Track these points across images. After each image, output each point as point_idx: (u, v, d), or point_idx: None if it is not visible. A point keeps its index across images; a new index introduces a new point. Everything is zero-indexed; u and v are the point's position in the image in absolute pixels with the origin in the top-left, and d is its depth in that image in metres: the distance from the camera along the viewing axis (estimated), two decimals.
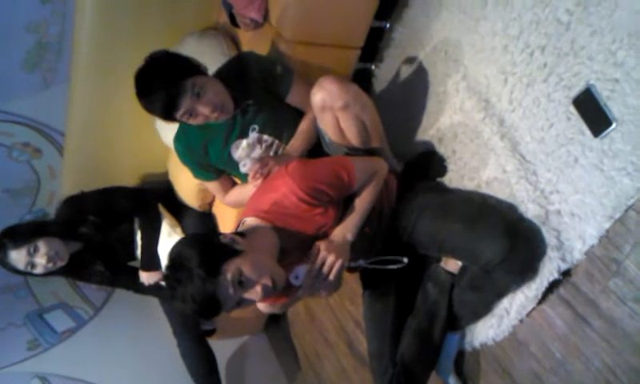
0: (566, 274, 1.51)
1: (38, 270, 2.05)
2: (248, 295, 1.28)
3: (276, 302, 1.58)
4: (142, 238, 2.30)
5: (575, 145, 1.48)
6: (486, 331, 1.72)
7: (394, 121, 1.98)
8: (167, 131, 2.27)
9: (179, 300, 1.25)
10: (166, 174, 2.63)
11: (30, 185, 2.77)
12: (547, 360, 1.58)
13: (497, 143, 1.68)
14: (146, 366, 2.67)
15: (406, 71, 2.07)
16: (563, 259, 1.49)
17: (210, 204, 2.49)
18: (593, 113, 1.43)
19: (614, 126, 1.38)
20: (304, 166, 1.49)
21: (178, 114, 1.66)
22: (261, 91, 1.82)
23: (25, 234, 2.04)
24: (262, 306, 1.58)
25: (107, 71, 2.31)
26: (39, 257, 2.03)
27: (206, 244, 1.31)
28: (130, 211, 2.32)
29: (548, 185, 1.55)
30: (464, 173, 1.80)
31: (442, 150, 1.89)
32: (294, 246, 1.45)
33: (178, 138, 1.93)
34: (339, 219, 1.51)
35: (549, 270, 1.51)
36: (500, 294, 1.63)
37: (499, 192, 1.68)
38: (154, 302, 2.59)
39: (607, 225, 1.41)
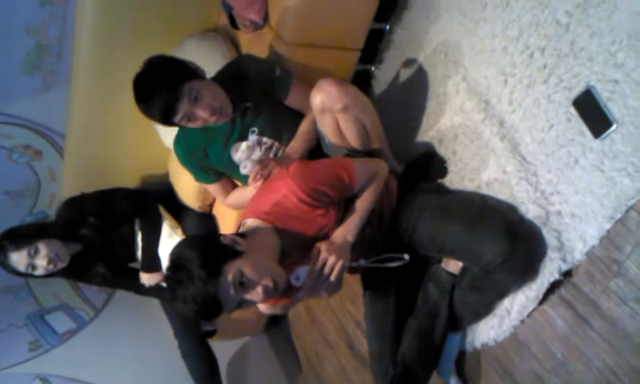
0: (567, 274, 1.51)
1: (39, 272, 2.06)
2: (249, 296, 1.29)
3: (277, 303, 1.58)
4: (142, 240, 2.30)
5: (575, 146, 1.48)
6: (487, 332, 1.72)
7: (394, 122, 1.98)
8: (167, 133, 2.27)
9: (180, 301, 1.25)
10: (166, 175, 2.63)
11: (31, 187, 2.77)
12: (548, 360, 1.58)
13: (497, 144, 1.69)
14: (146, 367, 2.67)
15: (406, 73, 2.08)
16: (564, 260, 1.49)
17: (211, 205, 2.49)
18: (593, 114, 1.43)
19: (614, 127, 1.39)
20: (305, 167, 1.50)
21: (177, 119, 1.67)
22: (260, 94, 1.82)
23: (25, 235, 2.05)
24: (263, 307, 1.58)
25: (107, 73, 2.31)
26: (40, 258, 2.03)
27: (206, 245, 1.31)
28: (130, 212, 2.32)
29: (548, 186, 1.55)
30: (464, 174, 1.80)
31: (442, 151, 1.89)
32: (295, 247, 1.45)
33: (177, 141, 1.94)
34: (340, 220, 1.51)
35: (549, 271, 1.51)
36: (501, 295, 1.63)
37: (499, 193, 1.68)
38: (154, 303, 2.59)
39: (608, 225, 1.41)
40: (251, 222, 1.45)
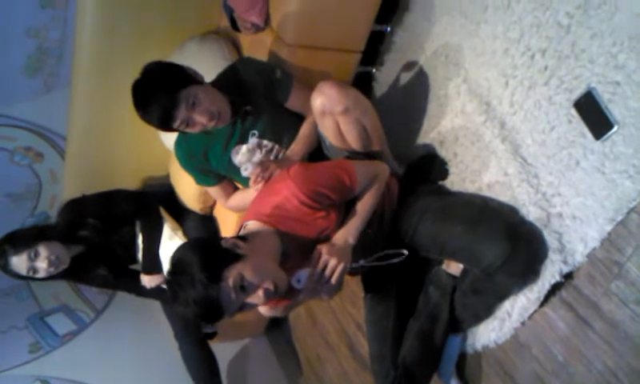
0: (568, 276, 1.51)
1: (40, 275, 2.06)
2: (250, 299, 1.29)
3: (277, 305, 1.59)
4: (143, 241, 2.30)
5: (576, 147, 1.48)
6: (487, 334, 1.72)
7: (395, 124, 1.98)
8: (168, 135, 2.26)
9: (181, 305, 1.25)
10: (167, 177, 2.63)
11: (32, 189, 2.78)
12: (549, 362, 1.58)
13: (498, 146, 1.69)
14: (147, 369, 2.67)
15: (407, 75, 2.08)
16: (565, 262, 1.49)
17: (212, 207, 2.49)
18: (594, 116, 1.43)
19: (615, 128, 1.39)
20: (305, 169, 1.49)
21: (175, 125, 1.67)
22: (260, 97, 1.82)
23: (25, 239, 2.05)
24: (264, 309, 1.58)
25: (108, 75, 2.31)
26: (40, 261, 2.03)
27: (207, 249, 1.31)
28: (131, 214, 2.32)
29: (549, 188, 1.55)
30: (465, 176, 1.80)
31: (443, 153, 1.89)
32: (296, 249, 1.45)
33: (178, 144, 1.94)
34: (341, 223, 1.51)
35: (550, 273, 1.51)
36: (502, 297, 1.63)
37: (501, 195, 1.68)
38: (155, 305, 2.59)
39: (609, 227, 1.41)
40: (252, 225, 1.45)
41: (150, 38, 2.30)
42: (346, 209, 1.54)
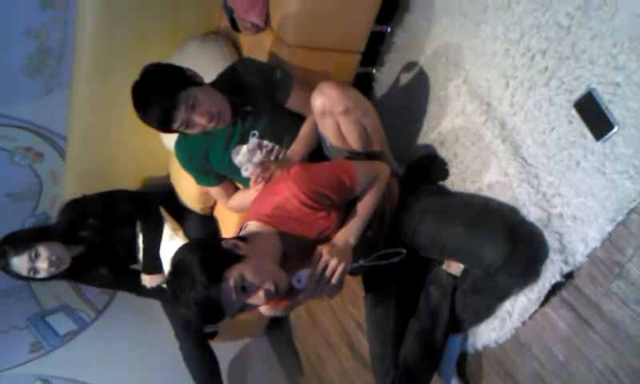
0: (569, 276, 1.51)
1: (41, 275, 2.06)
2: (251, 300, 1.29)
3: (278, 305, 1.59)
4: (143, 241, 2.30)
5: (577, 148, 1.48)
6: (488, 333, 1.72)
7: (396, 124, 1.99)
8: (169, 135, 2.27)
9: (183, 306, 1.25)
10: (167, 177, 2.63)
11: (32, 189, 2.78)
12: (550, 362, 1.58)
13: (498, 146, 1.69)
14: (148, 368, 2.67)
15: (407, 75, 2.08)
16: (565, 262, 1.50)
17: (212, 207, 2.49)
18: (594, 116, 1.43)
19: (615, 129, 1.39)
20: (306, 169, 1.50)
21: (175, 126, 1.67)
22: (260, 97, 1.82)
23: (25, 239, 2.05)
24: (264, 309, 1.58)
25: (109, 76, 2.31)
26: (41, 261, 2.04)
27: (208, 250, 1.31)
28: (131, 214, 2.32)
29: (550, 188, 1.55)
30: (466, 176, 1.81)
31: (443, 153, 1.89)
32: (297, 249, 1.45)
33: (179, 145, 1.94)
34: (341, 223, 1.51)
35: (551, 273, 1.52)
36: (502, 297, 1.64)
37: (501, 195, 1.68)
38: (155, 305, 2.59)
39: (609, 228, 1.41)
40: (252, 225, 1.45)
41: (151, 38, 2.30)
42: (346, 209, 1.54)
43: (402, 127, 2.03)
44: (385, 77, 2.21)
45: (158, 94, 1.62)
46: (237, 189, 2.02)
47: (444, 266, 1.76)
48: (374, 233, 1.61)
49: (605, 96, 1.41)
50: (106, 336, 2.80)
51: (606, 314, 1.43)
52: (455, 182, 1.85)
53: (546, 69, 1.56)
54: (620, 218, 1.39)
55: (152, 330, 2.76)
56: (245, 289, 1.26)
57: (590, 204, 1.45)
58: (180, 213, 2.47)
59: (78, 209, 2.25)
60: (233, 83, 1.82)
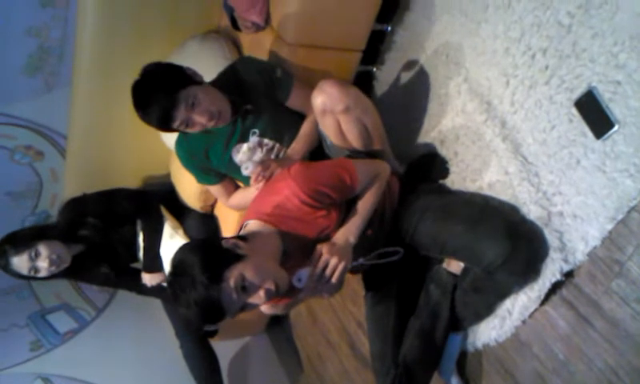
0: (569, 275, 1.51)
1: (42, 274, 2.07)
2: (251, 300, 1.29)
3: (278, 303, 1.59)
4: (144, 240, 2.30)
5: (577, 147, 1.48)
6: (488, 332, 1.72)
7: (396, 123, 1.98)
8: (169, 133, 2.27)
9: (183, 306, 1.25)
10: (168, 175, 2.63)
11: (33, 187, 2.78)
12: (550, 361, 1.58)
13: (499, 145, 1.69)
14: (148, 367, 2.67)
15: (408, 74, 2.08)
16: (566, 260, 1.50)
17: (212, 206, 2.49)
18: (595, 115, 1.43)
19: (616, 128, 1.39)
20: (306, 168, 1.50)
21: (175, 125, 1.67)
22: (261, 96, 1.82)
23: (25, 239, 2.05)
24: (265, 307, 1.58)
25: (109, 74, 2.31)
26: (41, 260, 2.04)
27: (208, 250, 1.31)
28: (132, 213, 2.32)
29: (550, 186, 1.55)
30: (466, 175, 1.81)
31: (443, 151, 1.89)
32: (297, 248, 1.45)
33: (179, 143, 1.94)
34: (342, 222, 1.51)
35: (551, 272, 1.52)
36: (502, 295, 1.64)
37: (501, 194, 1.68)
38: (156, 304, 2.59)
39: (610, 226, 1.41)
40: (253, 224, 1.45)
41: (151, 37, 2.30)
42: (346, 208, 1.54)
43: (402, 126, 2.03)
44: (385, 75, 2.21)
45: (158, 93, 1.62)
46: (237, 187, 2.02)
47: (444, 265, 1.76)
48: (375, 231, 1.61)
49: (605, 94, 1.41)
50: (106, 334, 2.80)
51: (606, 312, 1.43)
52: (455, 180, 1.85)
53: (547, 67, 1.56)
54: (620, 217, 1.39)
55: (152, 328, 2.77)
56: (245, 288, 1.26)
57: (591, 202, 1.45)
58: (180, 211, 2.47)
59: (78, 207, 2.25)
60: (233, 82, 1.82)
